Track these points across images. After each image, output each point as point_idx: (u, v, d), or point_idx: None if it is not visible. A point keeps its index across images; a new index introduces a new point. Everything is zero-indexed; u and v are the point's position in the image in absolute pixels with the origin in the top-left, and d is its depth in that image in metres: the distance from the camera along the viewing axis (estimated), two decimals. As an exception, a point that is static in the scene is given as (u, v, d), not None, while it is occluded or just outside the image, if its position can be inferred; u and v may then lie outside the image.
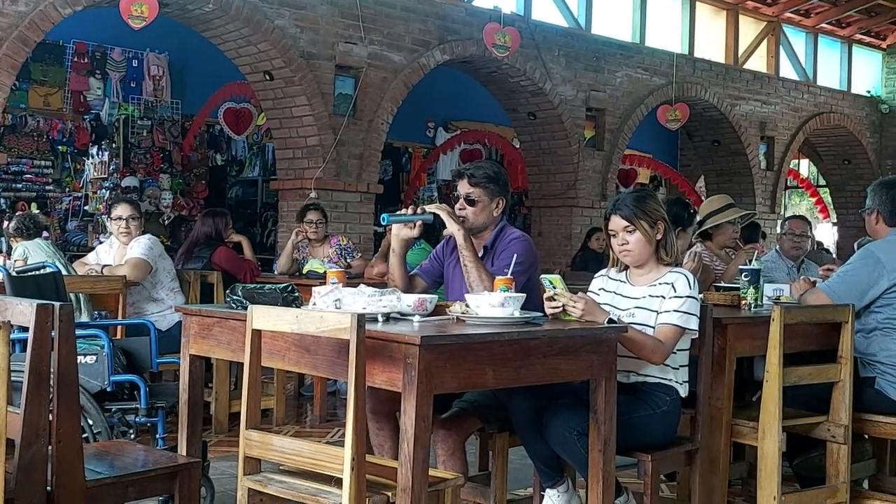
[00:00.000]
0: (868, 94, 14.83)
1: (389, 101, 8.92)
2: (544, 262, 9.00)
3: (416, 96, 9.53)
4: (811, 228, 5.47)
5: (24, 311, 2.40)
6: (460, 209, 3.57)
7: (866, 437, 3.92)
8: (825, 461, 3.60)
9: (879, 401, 3.67)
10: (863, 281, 3.71)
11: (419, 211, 3.50)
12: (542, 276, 3.02)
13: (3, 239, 5.47)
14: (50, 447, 2.37)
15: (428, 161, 12.18)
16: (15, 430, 2.34)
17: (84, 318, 4.87)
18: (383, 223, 3.59)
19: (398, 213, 3.54)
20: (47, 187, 9.67)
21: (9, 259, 5.03)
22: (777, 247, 5.42)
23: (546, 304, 2.96)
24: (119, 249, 5.36)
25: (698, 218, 4.99)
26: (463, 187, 3.59)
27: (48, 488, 2.37)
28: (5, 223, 5.52)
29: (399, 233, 3.53)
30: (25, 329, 2.41)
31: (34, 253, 5.13)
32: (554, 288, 2.95)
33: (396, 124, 9.23)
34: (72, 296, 4.74)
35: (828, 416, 3.57)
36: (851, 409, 3.55)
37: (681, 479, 3.90)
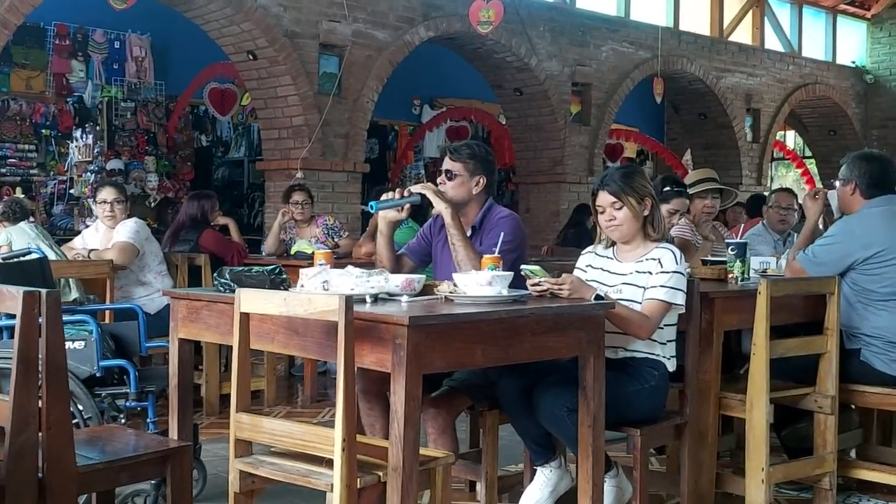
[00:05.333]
0: (853, 65, 14.84)
1: (374, 79, 8.88)
2: (533, 238, 9.01)
3: (401, 74, 9.48)
4: (797, 201, 5.50)
5: (10, 297, 2.39)
6: (440, 184, 3.58)
7: (853, 407, 3.97)
8: (813, 432, 3.64)
9: (865, 371, 3.71)
10: (838, 253, 3.75)
11: (405, 193, 3.49)
12: (522, 266, 3.02)
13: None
14: (40, 434, 2.37)
15: (414, 139, 12.14)
16: (4, 418, 2.33)
17: (74, 294, 4.87)
18: (371, 211, 3.58)
19: (385, 198, 3.52)
20: (31, 171, 9.59)
21: (-6, 245, 5.01)
22: (764, 220, 5.44)
23: (531, 288, 2.97)
24: (105, 233, 5.33)
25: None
26: (445, 163, 3.61)
27: (39, 475, 2.37)
28: None
29: (386, 214, 3.53)
30: (12, 316, 2.40)
31: (17, 238, 5.10)
32: (536, 276, 2.96)
33: (382, 102, 9.19)
34: (71, 281, 4.73)
35: (815, 387, 3.60)
36: (838, 380, 3.58)
37: (670, 452, 3.93)
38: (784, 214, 5.29)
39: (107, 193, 5.30)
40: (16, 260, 4.33)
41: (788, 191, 5.64)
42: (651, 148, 13.61)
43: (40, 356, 2.36)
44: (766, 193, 10.04)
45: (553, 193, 10.87)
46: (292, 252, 6.45)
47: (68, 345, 3.19)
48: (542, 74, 10.39)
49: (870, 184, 3.87)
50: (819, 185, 15.23)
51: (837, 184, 3.99)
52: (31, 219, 5.76)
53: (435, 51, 10.35)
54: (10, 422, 2.32)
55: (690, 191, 4.88)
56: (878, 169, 3.88)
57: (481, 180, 3.61)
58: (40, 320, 2.36)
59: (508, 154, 11.64)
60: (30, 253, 4.45)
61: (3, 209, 5.32)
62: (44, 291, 2.37)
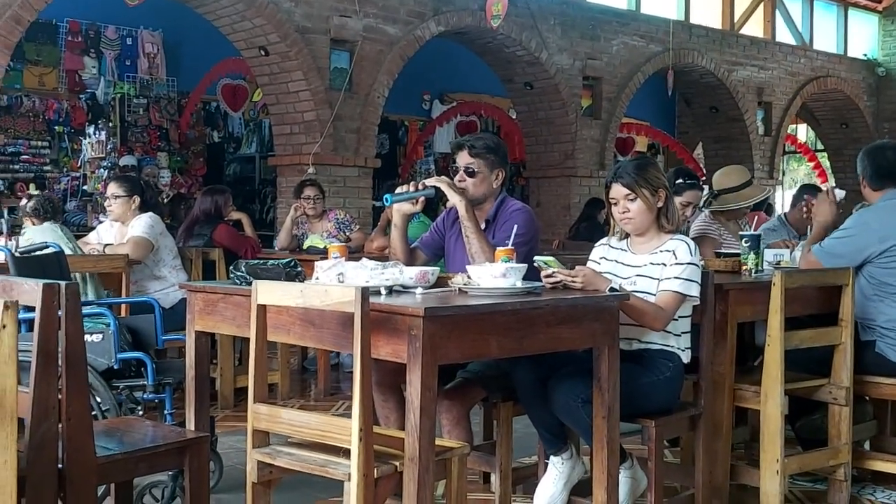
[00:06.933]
0: (865, 58, 14.77)
1: (385, 74, 8.89)
2: (544, 232, 9.00)
3: (412, 69, 9.49)
4: None
5: (30, 290, 2.41)
6: (460, 181, 3.57)
7: (867, 398, 3.96)
8: (827, 423, 3.64)
9: (880, 363, 3.71)
10: (854, 246, 3.75)
11: (419, 186, 3.50)
12: (536, 257, 3.02)
13: (3, 220, 5.44)
14: (60, 425, 2.39)
15: (424, 134, 12.15)
16: (25, 409, 2.35)
17: (91, 297, 4.88)
18: (386, 204, 3.58)
19: (399, 191, 3.53)
20: (45, 168, 9.65)
21: (10, 240, 5.02)
22: (783, 213, 5.38)
23: (545, 280, 2.98)
24: (120, 228, 5.36)
25: (713, 188, 4.94)
26: (463, 158, 3.58)
27: (59, 465, 2.40)
28: (24, 201, 5.44)
29: (401, 207, 3.54)
30: (31, 309, 2.42)
31: (38, 239, 5.11)
32: (550, 268, 2.96)
33: (392, 97, 9.20)
34: (77, 275, 4.74)
35: (829, 378, 3.60)
36: (852, 372, 3.58)
37: (684, 444, 3.94)
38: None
39: (108, 189, 5.37)
40: (33, 254, 4.36)
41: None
42: (662, 141, 13.59)
43: (60, 348, 2.39)
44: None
45: (564, 187, 10.87)
46: (304, 247, 6.47)
47: (86, 337, 3.21)
48: (553, 68, 10.39)
49: (872, 175, 3.91)
50: (831, 177, 15.20)
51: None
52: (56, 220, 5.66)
53: (445, 45, 10.35)
54: (30, 413, 2.34)
55: (733, 201, 4.75)
56: (881, 158, 3.91)
57: (500, 174, 3.61)
58: (60, 313, 2.39)
59: (519, 148, 11.64)
60: (47, 247, 4.48)
61: (34, 206, 5.24)
62: (63, 284, 2.39)
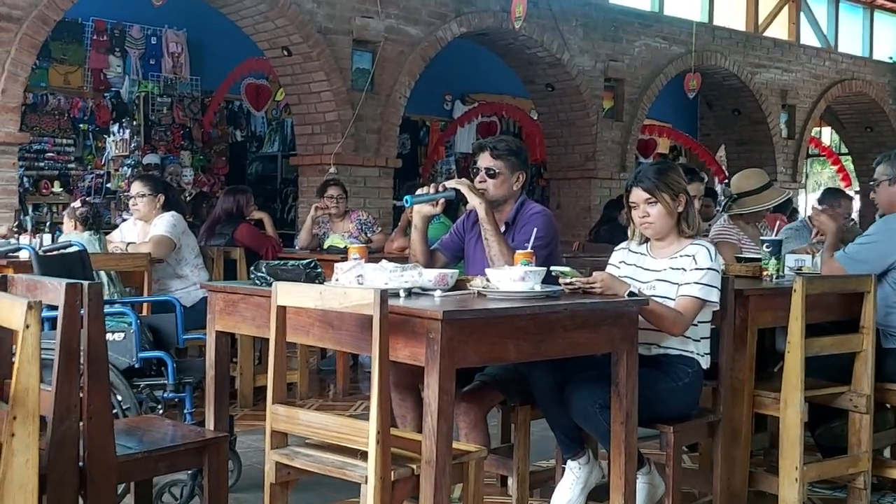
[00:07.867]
0: (890, 61, 14.63)
1: (407, 74, 8.90)
2: (563, 234, 8.98)
3: (433, 69, 9.50)
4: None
5: (53, 289, 2.44)
6: (480, 182, 3.57)
7: (888, 406, 3.93)
8: (847, 431, 3.61)
9: (901, 371, 3.68)
10: (878, 252, 3.72)
11: (440, 188, 3.50)
12: (553, 268, 3.01)
13: (28, 218, 5.50)
14: (81, 423, 2.41)
15: (445, 134, 12.15)
16: (47, 408, 2.38)
17: (114, 295, 4.91)
18: (406, 205, 3.59)
19: (420, 192, 3.54)
20: (69, 165, 9.73)
21: (35, 237, 5.07)
22: (807, 216, 5.36)
23: (564, 286, 2.97)
24: (143, 227, 5.40)
25: (731, 192, 4.91)
26: (484, 160, 3.59)
27: (80, 464, 2.42)
28: (77, 203, 5.42)
29: (421, 209, 3.55)
30: (54, 307, 2.44)
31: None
32: (567, 277, 2.96)
33: (414, 98, 9.21)
34: (102, 273, 4.77)
35: (850, 386, 3.57)
36: (873, 379, 3.55)
37: (703, 450, 3.92)
38: (846, 221, 5.27)
39: (132, 188, 5.42)
40: (57, 252, 4.40)
41: (851, 198, 5.63)
42: (684, 144, 13.53)
43: (82, 347, 2.41)
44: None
45: (584, 189, 10.84)
46: (325, 246, 6.49)
47: (108, 336, 3.24)
48: (575, 70, 10.36)
49: None
50: (855, 181, 15.07)
51: (879, 184, 3.97)
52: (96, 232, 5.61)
53: (467, 46, 10.35)
54: (52, 411, 2.36)
55: (753, 204, 4.72)
56: None
57: (521, 176, 3.62)
58: (82, 312, 2.41)
59: (539, 150, 11.62)
60: (70, 245, 4.52)
61: (85, 214, 5.18)
62: (86, 283, 2.41)
